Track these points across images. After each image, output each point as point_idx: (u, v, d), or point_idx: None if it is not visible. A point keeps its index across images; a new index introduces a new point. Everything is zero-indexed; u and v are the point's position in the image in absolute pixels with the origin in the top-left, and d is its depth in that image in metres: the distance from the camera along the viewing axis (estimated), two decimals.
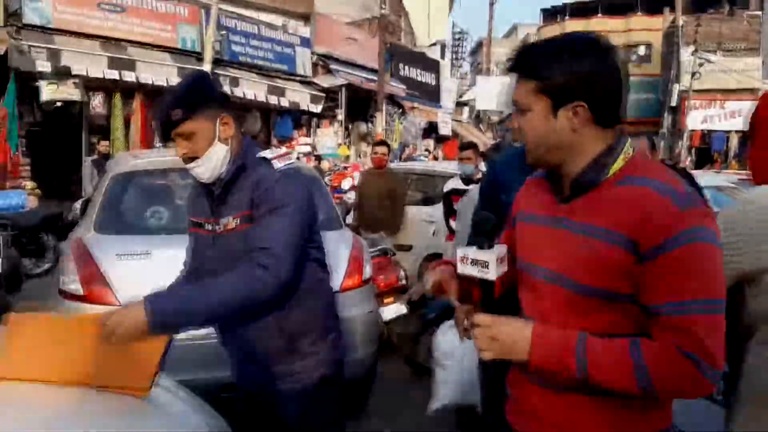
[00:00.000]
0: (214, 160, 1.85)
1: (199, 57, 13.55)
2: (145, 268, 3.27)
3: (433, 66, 24.47)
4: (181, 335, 3.26)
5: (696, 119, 25.46)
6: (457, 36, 36.64)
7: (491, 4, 26.11)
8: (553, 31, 36.52)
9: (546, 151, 1.32)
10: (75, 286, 3.33)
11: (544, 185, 1.41)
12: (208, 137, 1.83)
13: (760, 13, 24.52)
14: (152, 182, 3.80)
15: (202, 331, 3.22)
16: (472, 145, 5.90)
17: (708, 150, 25.31)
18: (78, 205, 5.11)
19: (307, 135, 17.28)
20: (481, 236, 1.34)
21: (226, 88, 14.08)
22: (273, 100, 15.57)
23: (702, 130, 25.65)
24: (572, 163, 1.31)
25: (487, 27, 26.43)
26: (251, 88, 14.88)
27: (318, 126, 17.61)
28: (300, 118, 17.02)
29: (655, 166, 1.33)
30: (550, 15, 38.18)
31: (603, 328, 1.26)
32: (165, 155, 4.23)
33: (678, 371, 1.18)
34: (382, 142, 7.19)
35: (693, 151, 25.65)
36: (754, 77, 23.05)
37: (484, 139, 24.38)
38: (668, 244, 1.18)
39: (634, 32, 34.04)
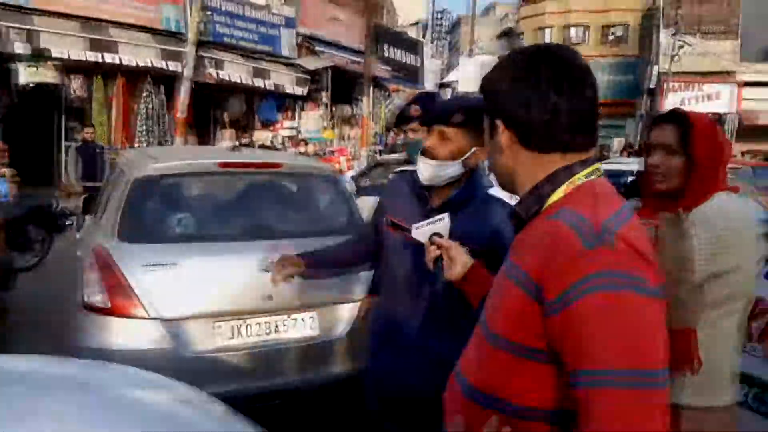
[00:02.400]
0: (444, 173, 1.88)
1: (182, 38, 13.15)
2: (172, 278, 3.16)
3: (415, 46, 24.21)
4: (210, 347, 3.12)
5: (674, 102, 25.77)
6: (438, 15, 36.34)
7: None
8: (529, 11, 36.47)
9: (498, 175, 1.20)
10: (100, 298, 3.15)
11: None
12: (455, 153, 1.85)
13: None
14: (177, 187, 3.58)
15: (234, 342, 3.13)
16: None
17: None
18: (79, 203, 4.85)
19: (292, 119, 16.98)
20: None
21: (211, 71, 13.73)
22: (257, 82, 15.23)
23: None
24: (519, 193, 1.14)
25: (468, 4, 26.13)
26: (235, 71, 14.52)
27: (302, 109, 17.31)
28: (284, 102, 16.71)
29: (592, 192, 1.06)
30: None
31: (511, 394, 1.04)
32: (186, 158, 4.01)
33: None
34: None
35: None
36: (732, 60, 23.38)
37: None
38: (570, 294, 0.93)
39: (612, 12, 34.13)
